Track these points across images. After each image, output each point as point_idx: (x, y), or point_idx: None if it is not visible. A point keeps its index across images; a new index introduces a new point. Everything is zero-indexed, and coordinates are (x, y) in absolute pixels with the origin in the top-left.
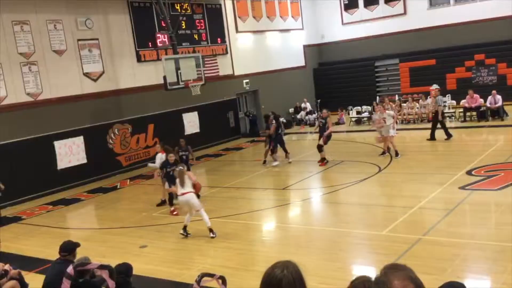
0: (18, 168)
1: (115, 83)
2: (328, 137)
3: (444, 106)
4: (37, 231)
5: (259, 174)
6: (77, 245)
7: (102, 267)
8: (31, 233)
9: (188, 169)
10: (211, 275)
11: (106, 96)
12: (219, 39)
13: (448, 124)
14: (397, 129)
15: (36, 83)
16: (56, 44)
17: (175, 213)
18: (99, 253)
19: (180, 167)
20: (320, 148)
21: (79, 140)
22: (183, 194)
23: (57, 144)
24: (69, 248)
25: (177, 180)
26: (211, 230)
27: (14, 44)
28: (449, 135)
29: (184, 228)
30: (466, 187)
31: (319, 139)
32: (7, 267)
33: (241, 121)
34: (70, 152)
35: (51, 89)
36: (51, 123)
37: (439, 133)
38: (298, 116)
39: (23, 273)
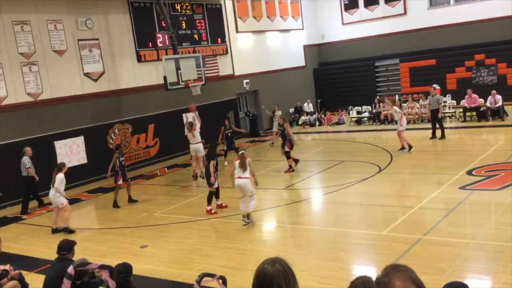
0: (19, 168)
1: (115, 83)
2: (291, 142)
3: (444, 106)
4: (37, 231)
5: (259, 174)
6: (74, 242)
7: (102, 267)
8: (32, 233)
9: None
10: (212, 275)
11: (107, 96)
12: (219, 39)
13: (448, 124)
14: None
15: (36, 83)
16: (57, 44)
17: (213, 211)
18: (100, 253)
19: (243, 151)
20: (287, 154)
21: (80, 140)
22: (240, 178)
23: (58, 144)
24: (68, 247)
25: (237, 163)
26: (248, 216)
27: (14, 44)
28: (434, 135)
29: (247, 215)
30: (467, 187)
31: (282, 146)
32: (7, 267)
33: (241, 121)
34: (71, 152)
35: (51, 89)
36: (51, 123)
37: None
38: (304, 118)
39: (24, 273)
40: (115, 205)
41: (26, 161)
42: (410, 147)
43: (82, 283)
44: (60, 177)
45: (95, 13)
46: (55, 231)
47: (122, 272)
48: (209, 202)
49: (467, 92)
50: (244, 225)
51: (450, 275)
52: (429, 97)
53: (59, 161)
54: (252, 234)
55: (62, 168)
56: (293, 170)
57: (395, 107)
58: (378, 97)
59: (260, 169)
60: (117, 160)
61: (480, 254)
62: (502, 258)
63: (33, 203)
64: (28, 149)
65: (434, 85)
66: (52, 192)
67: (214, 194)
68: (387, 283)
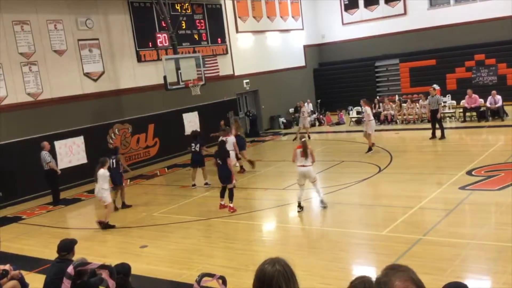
0: (19, 168)
1: (115, 83)
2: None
3: (444, 106)
4: (37, 231)
5: (259, 174)
6: (74, 242)
7: (102, 267)
8: (31, 233)
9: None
10: (211, 275)
11: (106, 96)
12: (219, 39)
13: (448, 124)
14: (397, 130)
15: (36, 83)
16: (57, 44)
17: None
18: (100, 253)
19: (305, 139)
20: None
21: (79, 140)
22: (304, 166)
23: (58, 144)
24: (68, 247)
25: (299, 151)
26: (322, 201)
27: (14, 44)
28: (434, 135)
29: (320, 201)
30: (466, 187)
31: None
32: (7, 267)
33: (241, 121)
34: (71, 152)
35: (51, 89)
36: (51, 123)
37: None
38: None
39: (24, 273)
40: (125, 205)
41: (46, 155)
42: (370, 149)
43: (82, 282)
44: (101, 173)
45: (95, 13)
46: (105, 226)
47: (121, 272)
48: (231, 199)
49: (467, 92)
50: (323, 207)
51: (450, 275)
52: (428, 97)
53: (58, 161)
54: (252, 234)
55: (105, 164)
56: (244, 171)
57: (366, 107)
58: (378, 97)
59: (259, 169)
60: (120, 162)
61: (480, 254)
62: (502, 258)
63: (37, 202)
64: (46, 144)
65: (434, 85)
66: (96, 188)
67: (224, 191)
68: (387, 283)
